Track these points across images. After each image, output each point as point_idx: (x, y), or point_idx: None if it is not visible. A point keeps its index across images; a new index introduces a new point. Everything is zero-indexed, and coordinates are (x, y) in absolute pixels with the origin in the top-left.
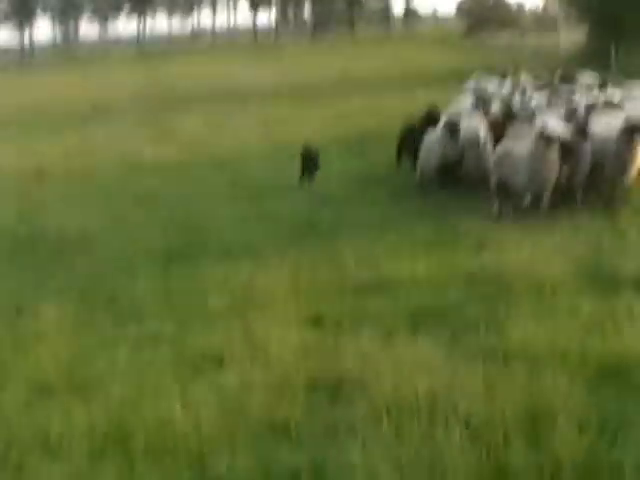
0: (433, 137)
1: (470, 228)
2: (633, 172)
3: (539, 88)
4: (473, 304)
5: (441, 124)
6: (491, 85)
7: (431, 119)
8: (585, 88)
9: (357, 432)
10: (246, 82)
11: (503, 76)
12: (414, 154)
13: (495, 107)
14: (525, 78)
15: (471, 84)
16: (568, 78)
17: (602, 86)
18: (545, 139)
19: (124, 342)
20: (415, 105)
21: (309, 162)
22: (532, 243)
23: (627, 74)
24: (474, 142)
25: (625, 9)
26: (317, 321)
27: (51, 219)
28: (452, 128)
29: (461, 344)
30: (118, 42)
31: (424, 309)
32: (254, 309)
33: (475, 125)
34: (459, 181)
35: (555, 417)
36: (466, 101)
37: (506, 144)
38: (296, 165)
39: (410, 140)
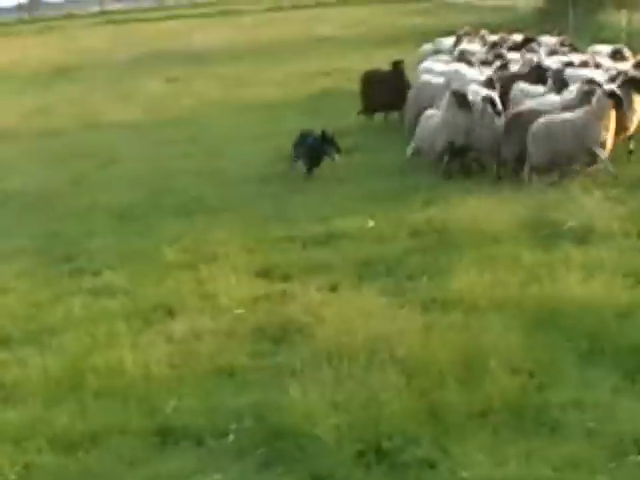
0: (432, 118)
1: (419, 184)
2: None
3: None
4: (417, 256)
5: (443, 103)
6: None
7: (397, 68)
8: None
9: (298, 375)
10: (206, 43)
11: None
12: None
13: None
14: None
15: (429, 46)
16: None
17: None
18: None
19: (79, 294)
20: (372, 65)
21: (313, 151)
22: (477, 198)
23: (582, 37)
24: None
25: None
26: (266, 273)
27: (12, 178)
28: (461, 100)
29: (403, 293)
30: (83, 2)
31: (370, 261)
32: (206, 262)
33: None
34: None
35: (489, 361)
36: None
37: None
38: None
39: (373, 87)
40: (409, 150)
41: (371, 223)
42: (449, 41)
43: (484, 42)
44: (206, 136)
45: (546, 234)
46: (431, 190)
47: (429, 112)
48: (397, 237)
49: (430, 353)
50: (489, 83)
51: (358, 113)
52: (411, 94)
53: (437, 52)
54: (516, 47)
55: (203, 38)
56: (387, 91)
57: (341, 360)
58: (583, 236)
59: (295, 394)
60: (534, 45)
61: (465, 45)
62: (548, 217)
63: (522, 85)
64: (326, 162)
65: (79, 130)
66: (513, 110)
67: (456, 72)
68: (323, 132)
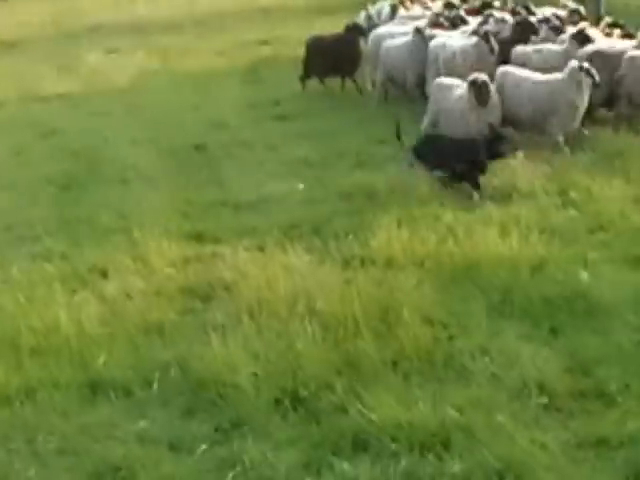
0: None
1: (350, 148)
2: None
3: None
4: (344, 217)
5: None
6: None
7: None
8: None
9: (222, 329)
10: (149, 14)
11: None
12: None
13: None
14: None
15: (363, 15)
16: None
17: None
18: None
19: (18, 259)
20: (308, 33)
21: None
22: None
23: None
24: None
25: None
26: (198, 236)
27: None
28: (481, 91)
29: (327, 252)
30: None
31: (298, 222)
32: (140, 227)
33: None
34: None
35: (402, 312)
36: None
37: None
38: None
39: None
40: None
41: (301, 187)
42: (386, 7)
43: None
44: (145, 106)
45: (469, 194)
46: (361, 154)
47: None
48: (326, 200)
49: (347, 306)
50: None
51: (300, 78)
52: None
53: (370, 19)
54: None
55: (146, 9)
56: (336, 56)
57: (262, 314)
58: (505, 195)
59: (217, 346)
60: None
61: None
62: None
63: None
64: (260, 128)
65: (19, 102)
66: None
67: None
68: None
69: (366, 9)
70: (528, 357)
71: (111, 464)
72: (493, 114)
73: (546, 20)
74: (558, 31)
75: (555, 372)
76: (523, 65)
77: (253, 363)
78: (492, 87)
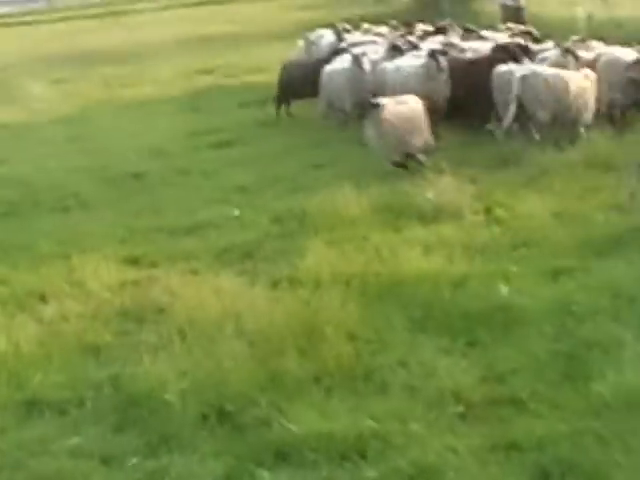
0: None
1: (284, 174)
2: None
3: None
4: (275, 240)
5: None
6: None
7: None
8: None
9: (154, 349)
10: (93, 45)
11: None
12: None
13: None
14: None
15: (301, 43)
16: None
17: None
18: None
19: None
20: (249, 61)
21: None
22: (338, 184)
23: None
24: None
25: None
26: (135, 261)
27: None
28: None
29: (258, 274)
30: None
31: (231, 246)
32: (78, 252)
33: None
34: None
35: (326, 330)
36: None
37: None
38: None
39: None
40: None
41: (236, 212)
42: (326, 34)
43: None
44: (86, 135)
45: (398, 215)
46: (294, 179)
47: None
48: (259, 224)
49: (274, 325)
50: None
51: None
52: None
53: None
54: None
55: (91, 39)
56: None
57: (192, 334)
58: (433, 215)
59: (149, 365)
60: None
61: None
62: (401, 199)
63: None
64: (198, 156)
65: None
66: None
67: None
68: None
69: (305, 37)
70: (445, 369)
71: (45, 478)
72: None
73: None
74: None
75: (471, 382)
76: None
77: (182, 380)
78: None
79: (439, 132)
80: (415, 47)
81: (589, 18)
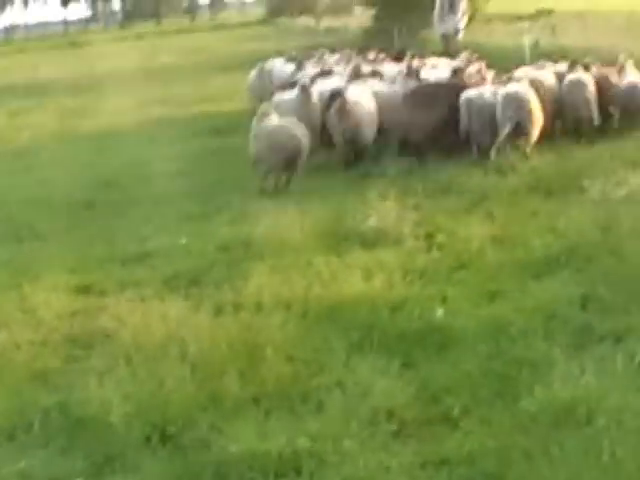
0: None
1: (232, 202)
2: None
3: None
4: (222, 267)
5: None
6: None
7: None
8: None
9: (100, 374)
10: (50, 76)
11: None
12: None
13: None
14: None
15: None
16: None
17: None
18: None
19: None
20: (202, 91)
21: None
22: (283, 211)
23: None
24: None
25: None
26: (85, 289)
27: None
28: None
29: (203, 300)
30: None
31: (178, 274)
32: (30, 282)
33: None
34: None
35: (266, 352)
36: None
37: None
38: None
39: None
40: None
41: (184, 240)
42: (280, 64)
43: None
44: (41, 165)
45: (341, 240)
46: (242, 207)
47: None
48: (206, 252)
49: (215, 348)
50: None
51: None
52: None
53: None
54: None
55: (48, 70)
56: None
57: (138, 358)
58: (375, 241)
59: (94, 389)
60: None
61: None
62: (345, 225)
63: None
64: (149, 185)
65: None
66: None
67: None
68: None
69: (260, 67)
70: (381, 389)
71: None
72: None
73: None
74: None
75: (405, 401)
76: None
77: (126, 403)
78: None
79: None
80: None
81: (535, 46)
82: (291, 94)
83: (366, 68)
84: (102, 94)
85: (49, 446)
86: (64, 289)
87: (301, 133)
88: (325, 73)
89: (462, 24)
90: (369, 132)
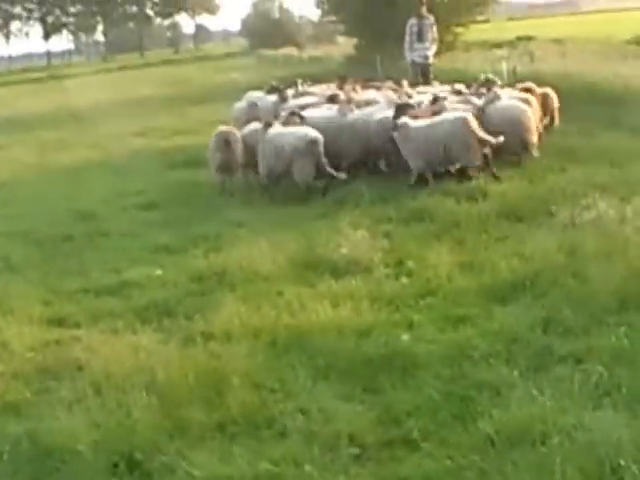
0: None
1: (206, 233)
2: None
3: None
4: (195, 298)
5: None
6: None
7: None
8: None
9: (70, 404)
10: (30, 109)
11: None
12: None
13: None
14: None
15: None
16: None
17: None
18: None
19: None
20: (186, 123)
21: None
22: (256, 241)
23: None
24: None
25: (387, 26)
26: (59, 321)
27: None
28: None
29: (175, 330)
30: None
31: (152, 305)
32: (3, 314)
33: None
34: None
35: (233, 380)
36: None
37: None
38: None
39: None
40: None
41: (158, 272)
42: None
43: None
44: (18, 199)
45: (312, 270)
46: (216, 239)
47: None
48: (180, 282)
49: (183, 377)
50: None
51: None
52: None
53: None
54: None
55: (30, 103)
56: None
57: (107, 388)
58: (345, 269)
59: (64, 419)
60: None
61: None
62: (316, 254)
63: None
64: (126, 218)
65: None
66: None
67: None
68: None
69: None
70: (343, 414)
71: None
72: None
73: None
74: None
75: (367, 425)
76: None
77: (94, 432)
78: None
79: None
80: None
81: (513, 72)
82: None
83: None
84: (82, 127)
85: (18, 475)
86: (38, 321)
87: None
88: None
89: (431, 52)
90: None
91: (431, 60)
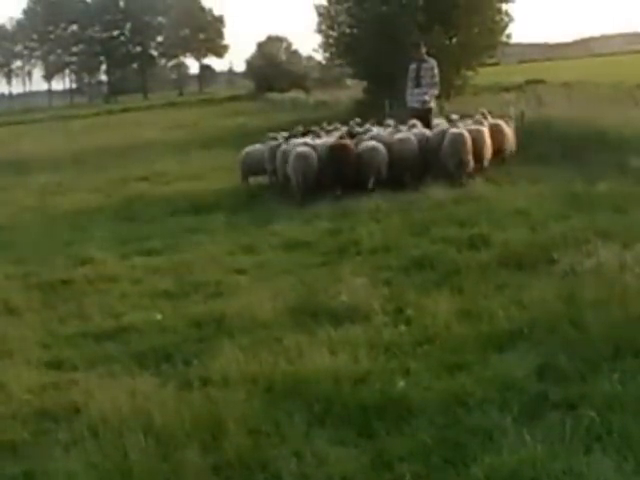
0: None
1: (208, 279)
2: None
3: None
4: (193, 344)
5: None
6: None
7: None
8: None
9: (67, 446)
10: (32, 152)
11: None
12: None
13: None
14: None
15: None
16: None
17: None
18: None
19: None
20: (189, 168)
21: None
22: (256, 287)
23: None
24: None
25: (396, 70)
26: (58, 364)
27: None
28: None
29: (173, 375)
30: None
31: (150, 350)
32: (2, 357)
33: None
34: None
35: (229, 425)
36: None
37: None
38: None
39: None
40: None
41: (158, 317)
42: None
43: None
44: (19, 243)
45: (311, 317)
46: (217, 285)
47: None
48: (179, 328)
49: (180, 422)
50: None
51: None
52: None
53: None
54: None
55: (30, 146)
56: None
57: (104, 431)
58: (345, 316)
59: (61, 461)
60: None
61: None
62: (316, 301)
63: None
64: (127, 263)
65: None
66: None
67: None
68: None
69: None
70: (337, 458)
71: None
72: None
73: None
74: None
75: (360, 469)
76: None
77: (91, 473)
78: None
79: None
80: None
81: (521, 116)
82: None
83: None
84: (82, 171)
85: None
86: (36, 364)
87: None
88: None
89: (428, 96)
90: None
91: (431, 105)
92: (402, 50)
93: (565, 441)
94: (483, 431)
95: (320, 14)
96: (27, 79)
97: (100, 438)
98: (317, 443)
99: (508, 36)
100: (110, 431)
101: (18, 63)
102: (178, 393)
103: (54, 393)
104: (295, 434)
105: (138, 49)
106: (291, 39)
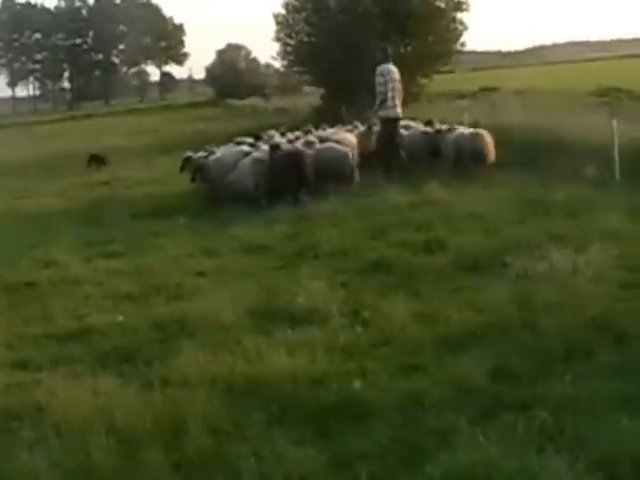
0: None
1: (170, 282)
2: None
3: None
4: (155, 345)
5: None
6: None
7: None
8: None
9: (32, 445)
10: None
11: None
12: None
13: None
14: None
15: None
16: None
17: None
18: None
19: None
20: (151, 173)
21: None
22: (217, 290)
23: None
24: None
25: (355, 76)
26: (22, 365)
27: None
28: None
29: (135, 375)
30: None
31: (113, 351)
32: None
33: None
34: None
35: (190, 425)
36: None
37: None
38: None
39: None
40: None
41: (120, 318)
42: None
43: None
44: None
45: (270, 319)
46: (179, 287)
47: None
48: (141, 330)
49: (142, 421)
50: None
51: None
52: None
53: None
54: None
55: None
56: None
57: (67, 430)
58: (303, 318)
59: (25, 459)
60: None
61: None
62: (275, 303)
63: None
64: (90, 266)
65: None
66: None
67: None
68: None
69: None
70: (296, 457)
71: None
72: None
73: None
74: None
75: (318, 468)
76: None
77: (55, 472)
78: None
79: None
80: None
81: (476, 123)
82: None
83: None
84: (47, 176)
85: None
86: (1, 365)
87: None
88: None
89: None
90: None
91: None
92: (360, 58)
93: (518, 441)
94: (438, 431)
95: (279, 23)
96: None
97: (63, 437)
98: (276, 442)
99: (462, 44)
100: (73, 430)
101: None
102: (140, 393)
103: (19, 393)
104: (254, 433)
105: (100, 57)
106: (250, 47)
